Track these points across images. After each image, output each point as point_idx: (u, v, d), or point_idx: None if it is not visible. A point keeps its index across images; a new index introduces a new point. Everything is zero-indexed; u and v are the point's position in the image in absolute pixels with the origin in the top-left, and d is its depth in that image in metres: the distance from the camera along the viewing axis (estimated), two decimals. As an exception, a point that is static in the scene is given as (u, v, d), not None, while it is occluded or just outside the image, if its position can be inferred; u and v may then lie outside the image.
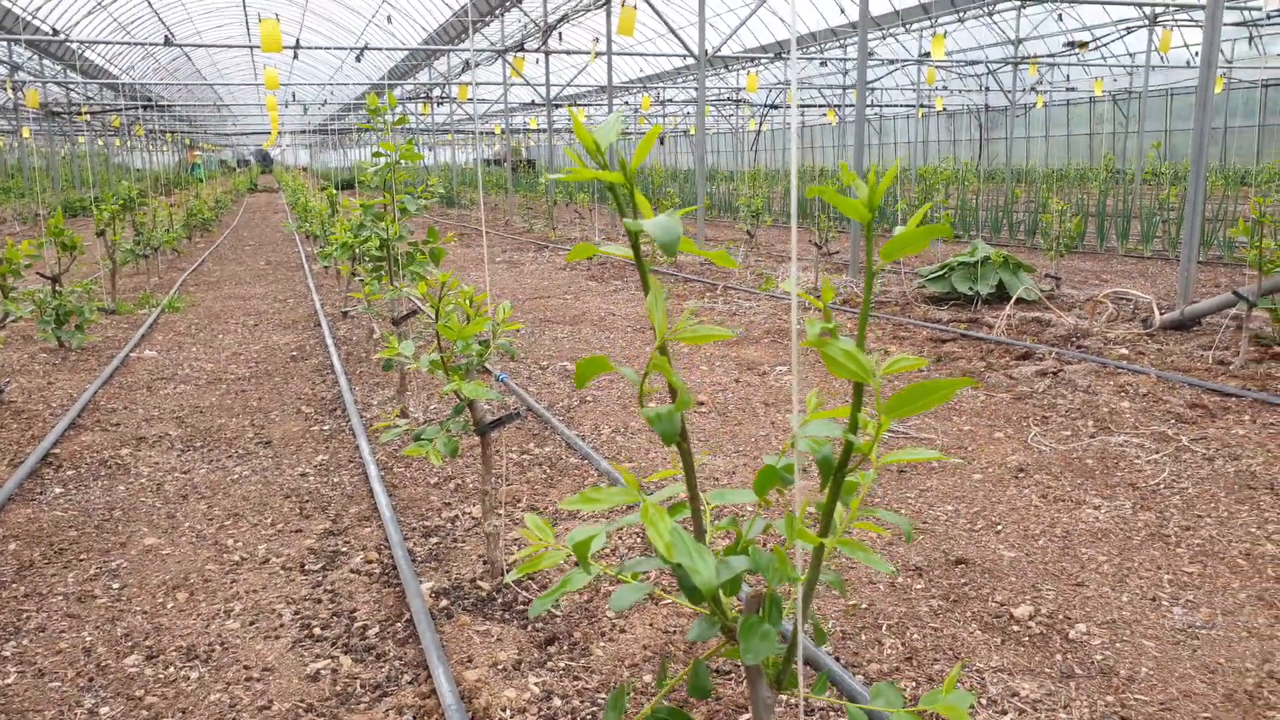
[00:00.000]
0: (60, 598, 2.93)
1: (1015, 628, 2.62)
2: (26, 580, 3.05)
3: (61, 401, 5.31)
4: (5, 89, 20.65)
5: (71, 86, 26.09)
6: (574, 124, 1.04)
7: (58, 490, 3.90)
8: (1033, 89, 23.23)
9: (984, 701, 2.27)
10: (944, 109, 27.38)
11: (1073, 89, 23.77)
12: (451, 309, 2.98)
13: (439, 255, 4.86)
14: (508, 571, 3.06)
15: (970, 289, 8.03)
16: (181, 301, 9.25)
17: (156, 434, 4.71)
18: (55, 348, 6.84)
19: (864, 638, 2.60)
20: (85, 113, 26.48)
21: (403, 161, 4.84)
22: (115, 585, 3.01)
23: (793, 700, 2.21)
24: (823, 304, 1.14)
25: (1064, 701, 2.27)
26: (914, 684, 2.36)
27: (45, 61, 24.03)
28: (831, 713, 2.27)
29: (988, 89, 24.40)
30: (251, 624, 2.74)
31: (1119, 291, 7.87)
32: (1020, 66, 19.78)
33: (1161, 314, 6.80)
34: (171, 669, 2.49)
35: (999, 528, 3.34)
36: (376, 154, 4.72)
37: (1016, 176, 25.26)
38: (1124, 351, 6.06)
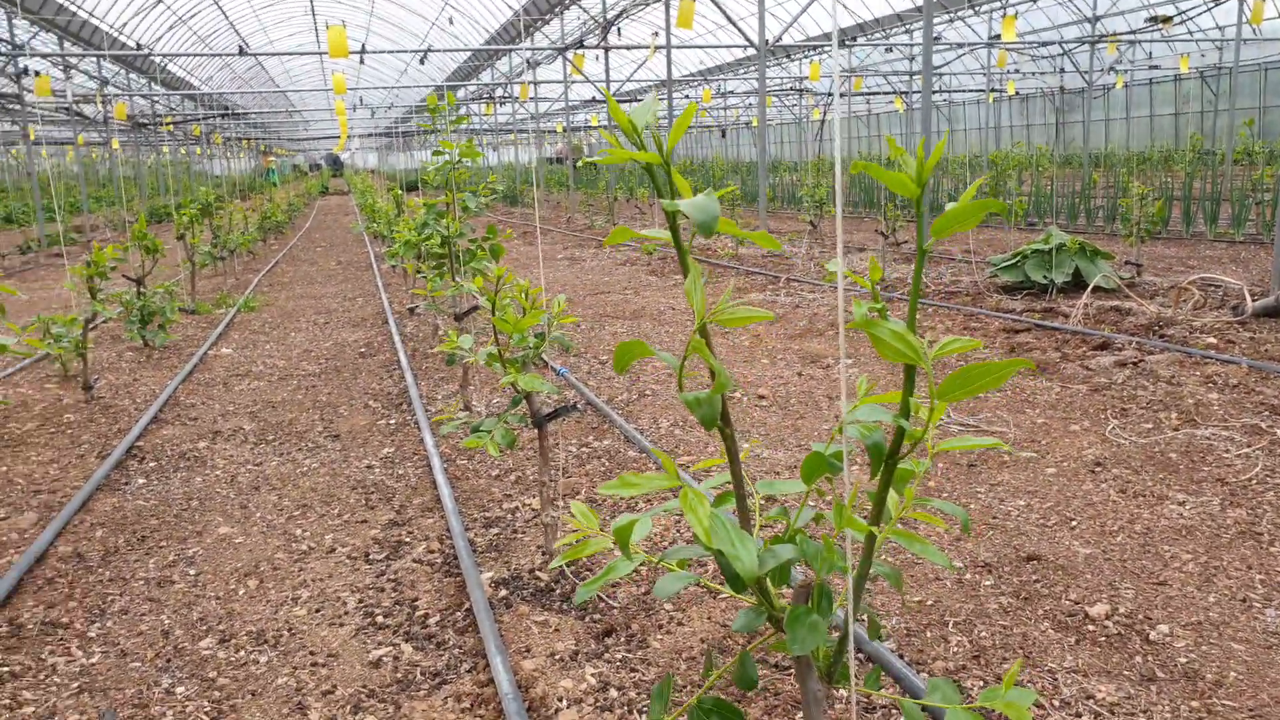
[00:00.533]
0: (142, 582, 3.03)
1: (1091, 627, 2.53)
2: (111, 565, 3.17)
3: (145, 397, 5.50)
4: (96, 103, 21.49)
5: (155, 98, 27.04)
6: (610, 106, 1.03)
7: (140, 481, 4.04)
8: (1112, 68, 22.44)
9: (1057, 703, 2.20)
10: (1016, 93, 26.64)
11: (1156, 67, 22.87)
12: (508, 303, 2.99)
13: (499, 251, 4.90)
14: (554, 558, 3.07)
15: (1044, 277, 7.80)
16: (256, 301, 9.51)
17: (231, 428, 4.85)
18: (140, 346, 7.09)
19: (929, 635, 2.54)
20: (168, 123, 27.43)
21: (464, 160, 4.90)
22: (192, 571, 3.10)
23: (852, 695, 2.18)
24: (871, 283, 1.11)
25: (1144, 706, 2.18)
26: (981, 683, 2.30)
27: (131, 75, 24.96)
28: (893, 710, 2.22)
29: (1063, 70, 23.63)
30: (318, 611, 2.79)
31: (1207, 278, 7.56)
32: (1098, 45, 19.11)
33: (1254, 300, 6.51)
34: (242, 652, 2.55)
35: (1074, 523, 3.23)
36: (437, 153, 4.78)
37: (1095, 161, 24.46)
38: (1212, 340, 5.82)
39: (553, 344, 3.22)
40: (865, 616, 1.29)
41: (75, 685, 2.40)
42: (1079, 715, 2.15)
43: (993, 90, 25.50)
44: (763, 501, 1.46)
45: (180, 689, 2.37)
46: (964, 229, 1.07)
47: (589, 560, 3.10)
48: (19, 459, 4.31)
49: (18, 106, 16.79)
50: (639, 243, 13.75)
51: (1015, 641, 2.47)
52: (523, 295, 2.97)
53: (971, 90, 28.19)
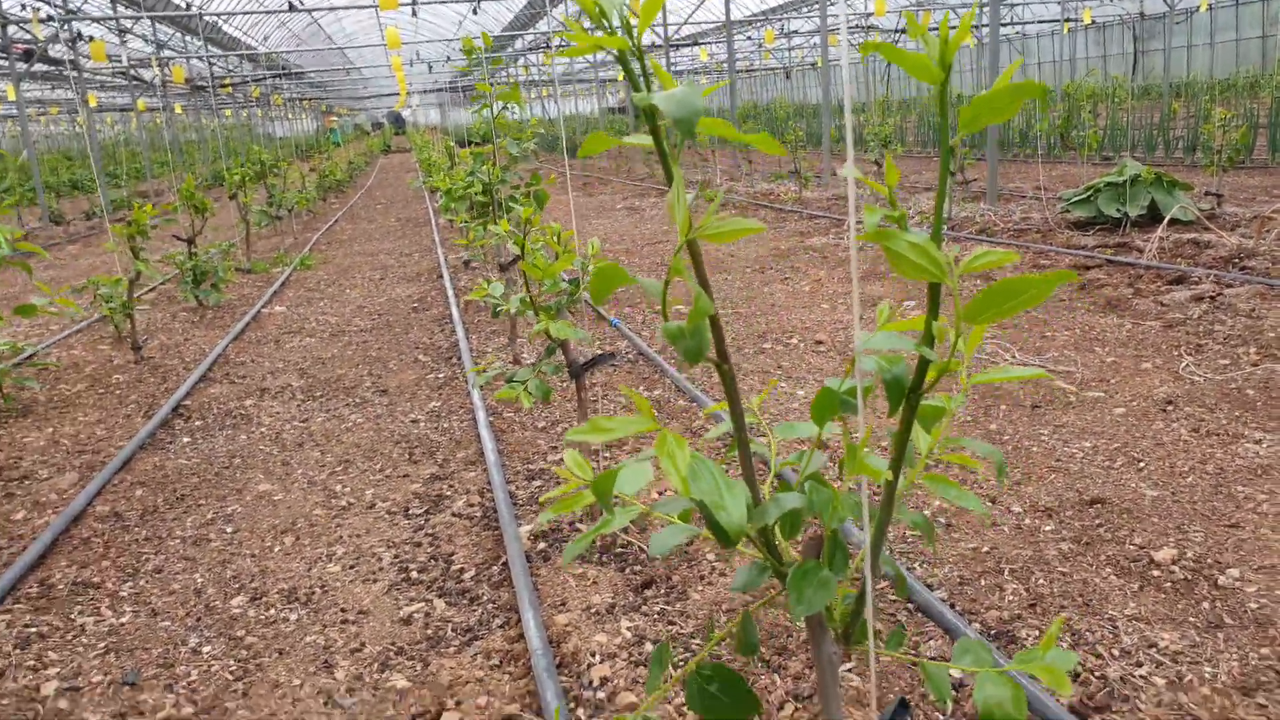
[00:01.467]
0: (178, 541, 3.02)
1: (1156, 572, 2.35)
2: (149, 524, 3.17)
3: (194, 356, 5.54)
4: (152, 66, 21.79)
5: (213, 60, 27.32)
6: (573, -13, 0.89)
7: (185, 440, 4.06)
8: (1194, -9, 21.16)
9: (1116, 652, 2.04)
10: (1093, 21, 25.36)
11: (1241, -13, 21.50)
12: (538, 247, 2.88)
13: (543, 198, 4.77)
14: (542, 512, 2.97)
15: (1118, 211, 7.40)
16: (313, 259, 9.56)
17: (279, 385, 4.86)
18: (194, 306, 7.17)
19: (984, 583, 2.39)
20: (227, 84, 27.73)
21: (506, 107, 4.76)
22: (229, 529, 3.09)
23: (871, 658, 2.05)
24: (887, 188, 0.95)
25: (1209, 654, 2.01)
26: (1036, 633, 2.14)
27: (187, 38, 25.22)
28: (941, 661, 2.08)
29: (1143, -5, 22.37)
30: (352, 567, 2.75)
31: (1291, 206, 7.09)
32: (1178, -33, 17.99)
33: (1342, 228, 6.07)
34: (272, 610, 2.52)
35: (1141, 465, 3.03)
36: (475, 96, 4.65)
37: (1175, 90, 23.21)
38: (1296, 271, 5.45)
39: (587, 289, 3.11)
40: (891, 570, 1.15)
41: (102, 645, 2.39)
42: (1139, 664, 2.00)
43: (1067, 20, 24.31)
44: (781, 445, 1.31)
45: (207, 648, 2.35)
46: (997, 120, 0.91)
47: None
48: (66, 420, 4.37)
49: (75, 73, 17.09)
50: (698, 188, 13.50)
51: (1075, 589, 2.31)
52: (554, 239, 2.85)
53: (1045, 21, 26.92)
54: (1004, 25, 26.55)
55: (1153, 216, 7.34)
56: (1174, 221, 7.15)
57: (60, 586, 2.71)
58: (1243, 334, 4.31)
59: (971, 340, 1.03)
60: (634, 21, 0.87)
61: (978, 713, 0.95)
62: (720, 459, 3.32)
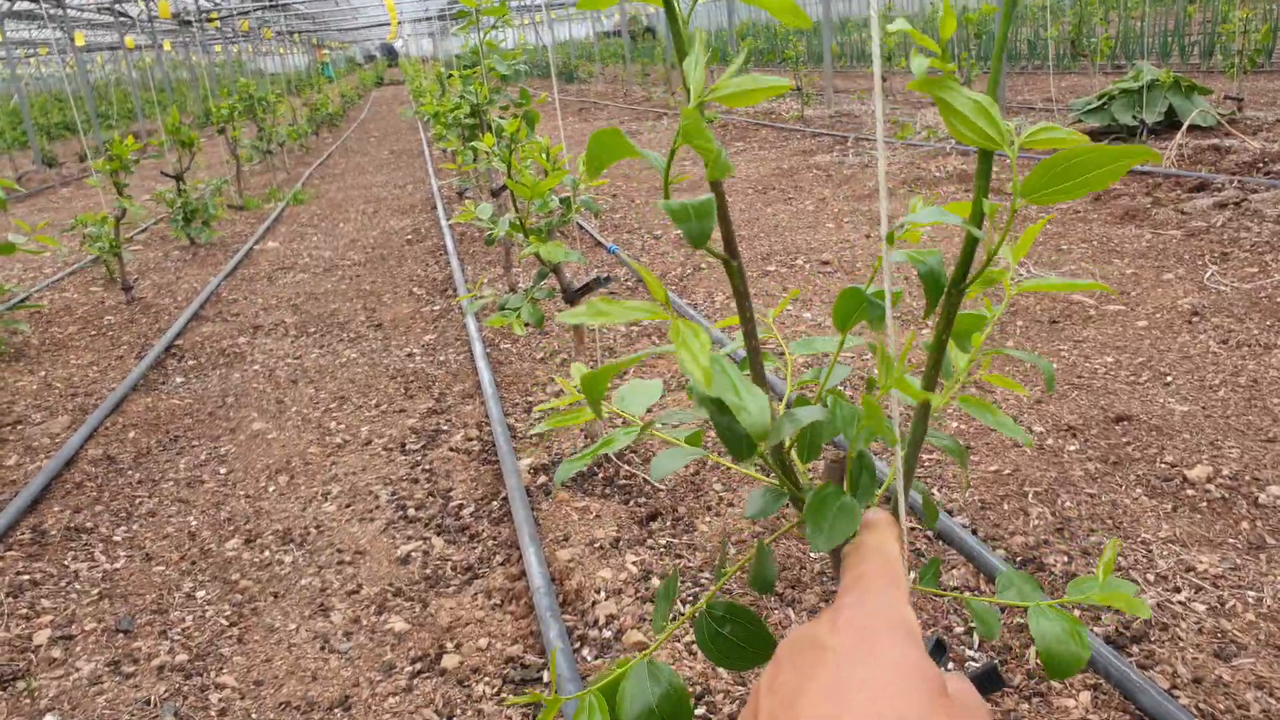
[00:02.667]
0: (171, 483, 2.93)
1: (1190, 491, 2.24)
2: (142, 467, 3.08)
3: (187, 295, 5.41)
4: (137, 1, 21.19)
5: (199, -7, 26.57)
6: None
7: (178, 380, 3.95)
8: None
9: (1151, 578, 1.94)
10: (1102, -75, 24.44)
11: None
12: (526, 165, 2.71)
13: (533, 118, 4.57)
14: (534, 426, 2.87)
15: (1134, 118, 7.13)
16: (306, 194, 9.35)
17: (273, 322, 4.73)
18: (187, 244, 7.01)
19: (1007, 507, 2.28)
20: (214, 18, 27.02)
21: (496, 24, 4.53)
22: (223, 470, 3.00)
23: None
24: (939, 44, 0.79)
25: (1252, 578, 1.90)
26: (1065, 559, 2.04)
27: (171, -30, 24.45)
28: (965, 592, 1.99)
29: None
30: (348, 506, 2.66)
31: (1315, 108, 6.82)
32: None
33: (1369, 129, 5.83)
34: (267, 553, 2.43)
35: (1168, 379, 2.90)
36: (460, 13, 4.42)
37: (1188, -5, 22.46)
38: (1322, 174, 5.24)
39: (581, 210, 2.95)
40: (920, 495, 1.01)
41: (95, 592, 2.31)
42: (1177, 590, 1.90)
43: (1074, -79, 23.45)
44: (801, 363, 1.17)
45: (201, 593, 2.26)
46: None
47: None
48: (58, 362, 4.25)
49: (59, 10, 16.63)
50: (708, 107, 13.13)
51: (1104, 511, 2.20)
52: (542, 155, 2.68)
53: (1051, -77, 25.98)
54: (1011, -69, 25.64)
55: (1170, 123, 7.08)
56: (1193, 128, 6.90)
57: (53, 532, 2.62)
58: (1270, 240, 4.14)
59: (1027, 235, 0.89)
60: None
61: (1038, 650, 0.84)
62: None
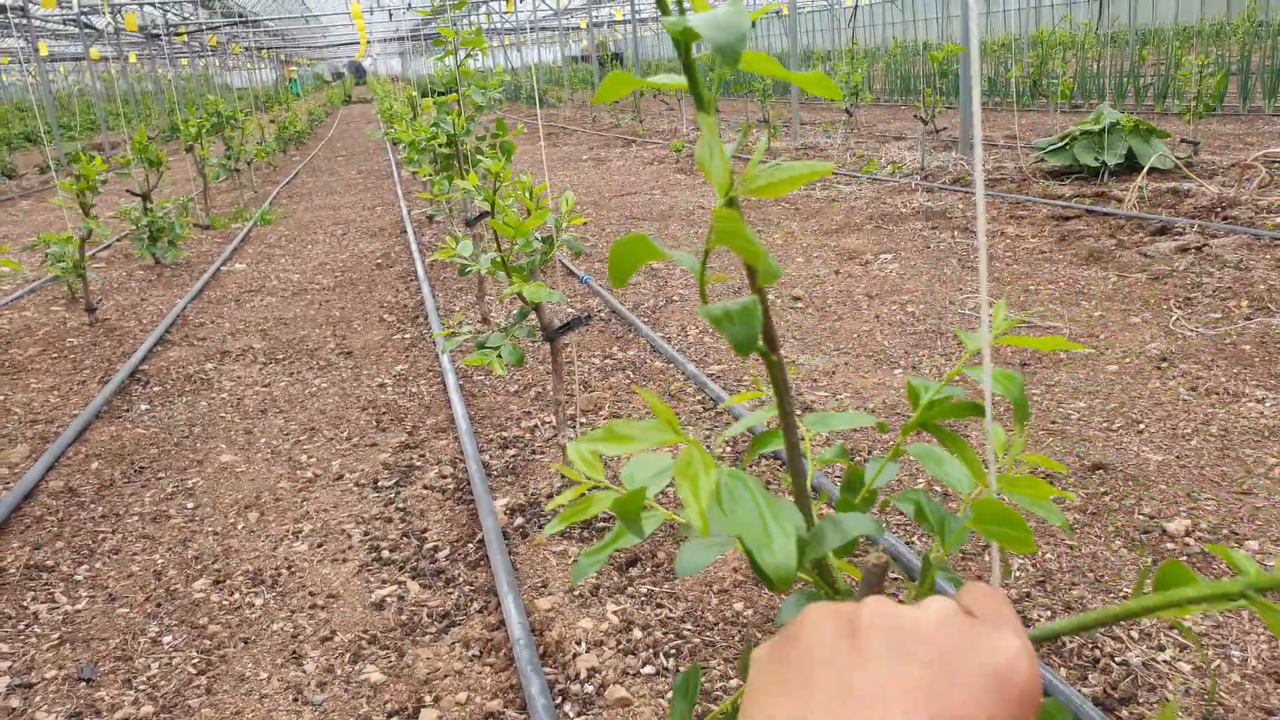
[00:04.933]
0: (136, 518, 2.85)
1: (1170, 545, 2.26)
2: (105, 500, 2.99)
3: (152, 317, 5.30)
4: (104, 13, 20.93)
5: (168, 6, 26.32)
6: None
7: (143, 407, 3.86)
8: (1164, -63, 20.93)
9: (1136, 635, 1.95)
10: (1061, -33, 25.10)
11: (1210, -67, 21.31)
12: (510, 203, 2.70)
13: (509, 149, 4.56)
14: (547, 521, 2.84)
15: (1095, 159, 7.29)
16: (273, 214, 9.24)
17: (241, 347, 4.65)
18: (151, 264, 6.88)
19: (988, 558, 2.29)
20: (181, 33, 26.74)
21: (472, 53, 4.51)
22: (190, 505, 2.92)
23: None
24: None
25: (1235, 635, 1.92)
26: (1048, 614, 2.04)
27: (138, -18, 24.22)
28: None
29: (1111, -60, 22.12)
30: (319, 546, 2.60)
31: (1271, 153, 7.02)
32: (1151, -89, 17.75)
33: (1323, 177, 6.01)
34: (237, 595, 2.37)
35: (1141, 426, 2.94)
36: (438, 41, 4.40)
37: (1142, 38, 23.11)
38: (1280, 221, 5.38)
39: (563, 247, 2.93)
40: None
41: (56, 636, 2.23)
42: (1161, 648, 1.91)
43: (1035, -37, 24.03)
44: (810, 440, 1.15)
45: (168, 638, 2.19)
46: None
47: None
48: (18, 387, 4.14)
49: (24, 20, 16.36)
50: (666, 139, 13.23)
51: (1084, 564, 2.21)
52: (525, 194, 2.67)
53: (1013, -36, 26.65)
54: (975, -30, 26.22)
55: (1130, 165, 7.25)
56: (1153, 170, 7.06)
57: (12, 570, 2.53)
58: (1232, 286, 4.23)
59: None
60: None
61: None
62: (741, 462, 3.14)
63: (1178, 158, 7.38)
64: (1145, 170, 6.79)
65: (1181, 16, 25.49)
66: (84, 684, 2.04)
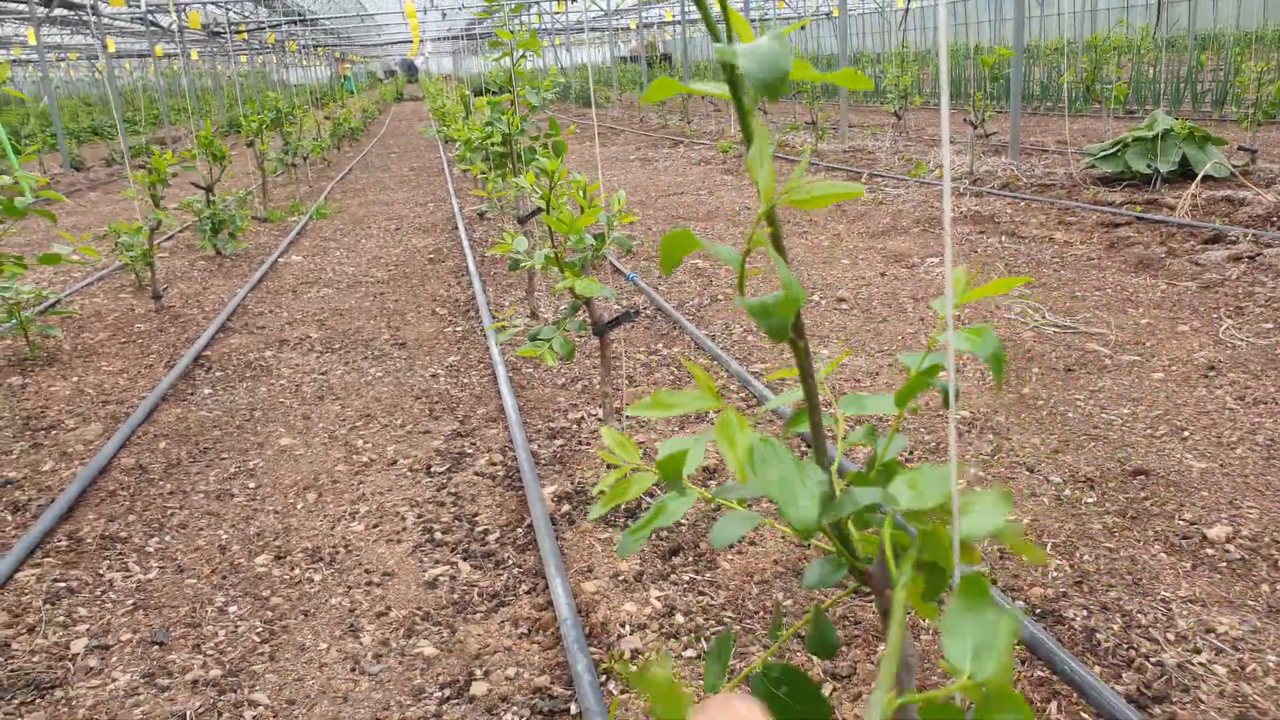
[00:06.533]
0: (202, 495, 2.99)
1: (1209, 551, 2.28)
2: (173, 477, 3.14)
3: (214, 306, 5.49)
4: (170, 12, 21.49)
5: (229, 6, 26.93)
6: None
7: (206, 391, 4.02)
8: (1228, -60, 20.49)
9: (1171, 637, 1.98)
10: (1120, -29, 24.66)
11: (1276, -64, 20.83)
12: (564, 201, 2.78)
13: (561, 149, 4.65)
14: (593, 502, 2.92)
15: (1148, 166, 7.20)
16: (328, 208, 9.46)
17: (298, 336, 4.80)
18: (212, 254, 7.10)
19: (1025, 558, 2.32)
20: (242, 31, 27.35)
21: (525, 53, 4.62)
22: (251, 484, 3.05)
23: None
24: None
25: (1273, 640, 1.94)
26: (1084, 612, 2.08)
27: (202, -19, 24.82)
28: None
29: (1172, -57, 21.70)
30: (375, 526, 2.71)
31: (1331, 164, 6.88)
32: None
33: (1385, 188, 5.89)
34: (297, 570, 2.48)
35: (1186, 434, 2.94)
36: (494, 43, 4.51)
37: (1201, 44, 22.64)
38: (1337, 232, 5.29)
39: (613, 245, 3.01)
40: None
41: (130, 602, 2.36)
42: (1197, 650, 1.93)
43: (1093, -33, 23.64)
44: (847, 422, 1.23)
45: (234, 608, 2.31)
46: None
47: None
48: (90, 368, 4.32)
49: (94, 18, 16.87)
50: (713, 140, 13.28)
51: (1122, 566, 2.24)
52: (579, 192, 2.75)
53: (1070, -32, 26.24)
54: (1031, -27, 25.87)
55: (1184, 172, 7.16)
56: (1207, 178, 6.97)
57: (89, 540, 2.68)
58: (1285, 297, 4.19)
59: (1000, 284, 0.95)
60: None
61: None
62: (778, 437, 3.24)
63: (1234, 165, 7.27)
64: (1199, 178, 6.71)
65: (1243, 21, 24.91)
66: (156, 647, 2.16)
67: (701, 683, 1.89)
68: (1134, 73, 14.00)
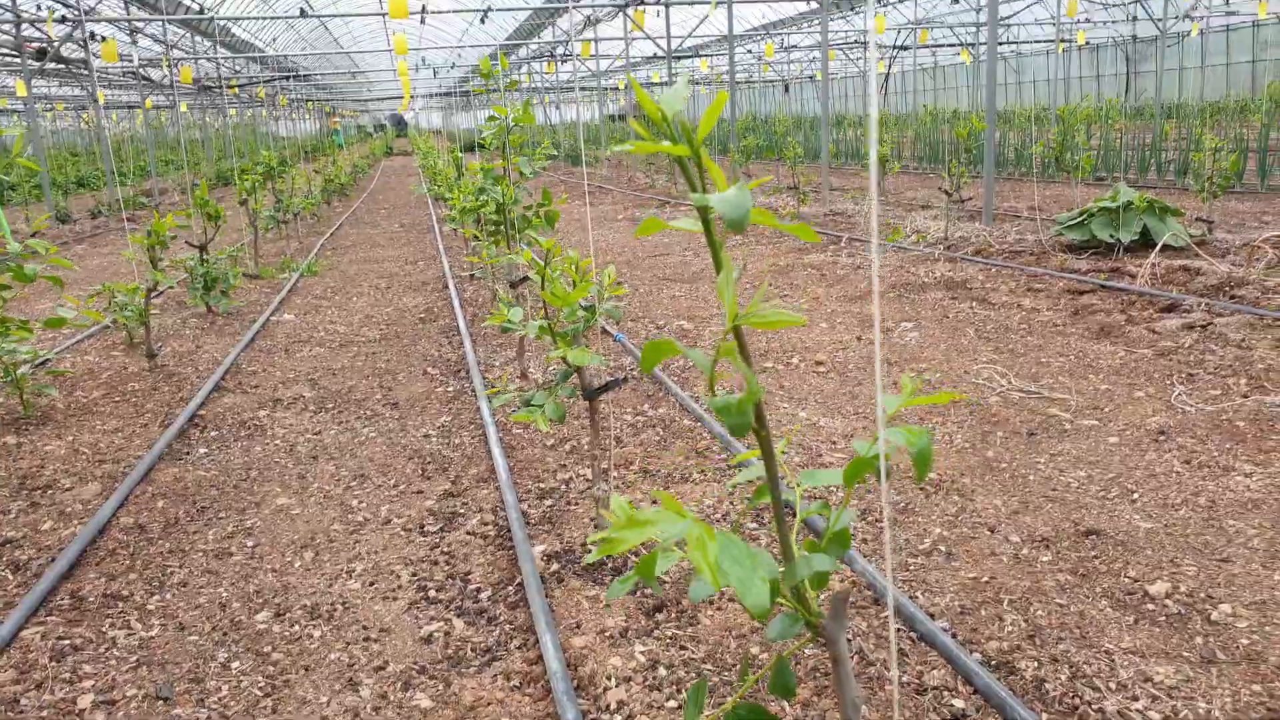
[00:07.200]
0: (200, 554, 3.11)
1: (1150, 606, 2.46)
2: (171, 536, 3.26)
3: (207, 365, 5.63)
4: (162, 67, 21.90)
5: (220, 61, 27.41)
6: (637, 94, 0.99)
7: (202, 450, 4.15)
8: (1187, 15, 21.39)
9: (1113, 685, 2.14)
10: (1086, 43, 25.60)
11: (1233, 13, 21.78)
12: (558, 275, 2.97)
13: (554, 218, 4.88)
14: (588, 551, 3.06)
15: (1111, 236, 7.53)
16: (319, 265, 9.65)
17: (291, 396, 4.94)
18: (204, 312, 7.25)
19: (984, 613, 2.49)
20: (234, 86, 27.80)
21: (519, 125, 4.85)
22: (249, 543, 3.18)
23: (895, 688, 2.15)
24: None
25: (1204, 689, 2.11)
26: (1035, 664, 2.24)
27: (196, 39, 25.31)
28: (944, 691, 2.18)
29: (1135, 18, 22.60)
30: (371, 584, 2.84)
31: (1277, 236, 7.22)
32: (1175, -10, 18.16)
33: (1333, 259, 6.20)
34: (296, 627, 2.61)
35: (1135, 496, 3.13)
36: (491, 118, 4.75)
37: (1167, 113, 23.41)
38: (1287, 301, 5.57)
39: (603, 315, 3.20)
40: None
41: (134, 659, 2.48)
42: (1135, 698, 2.10)
43: (1062, 40, 24.51)
44: (803, 493, 1.41)
45: (236, 664, 2.44)
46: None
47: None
48: (85, 428, 4.45)
49: (85, 71, 17.17)
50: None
51: (1072, 621, 2.41)
52: (572, 268, 2.95)
53: (1040, 41, 27.20)
54: (1000, 44, 26.77)
55: (1145, 242, 7.48)
56: (1166, 247, 7.29)
57: (91, 599, 2.80)
58: (1233, 364, 4.42)
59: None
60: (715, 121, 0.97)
61: None
62: (745, 509, 3.41)
63: (1191, 235, 7.60)
64: (1159, 247, 7.02)
65: (1208, 93, 25.81)
66: (161, 702, 2.28)
67: (681, 732, 2.03)
68: (1103, 140, 14.51)
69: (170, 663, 2.46)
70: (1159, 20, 18.37)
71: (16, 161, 3.35)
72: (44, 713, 2.24)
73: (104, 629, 2.65)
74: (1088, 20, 24.02)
